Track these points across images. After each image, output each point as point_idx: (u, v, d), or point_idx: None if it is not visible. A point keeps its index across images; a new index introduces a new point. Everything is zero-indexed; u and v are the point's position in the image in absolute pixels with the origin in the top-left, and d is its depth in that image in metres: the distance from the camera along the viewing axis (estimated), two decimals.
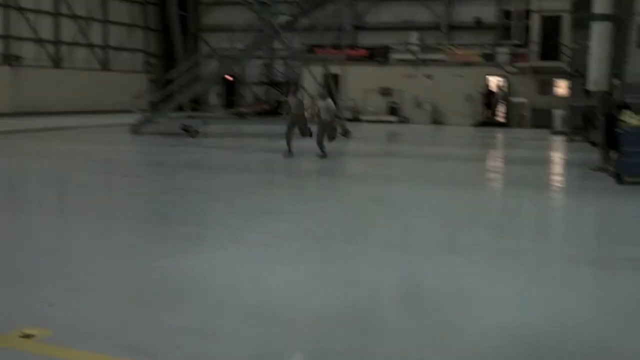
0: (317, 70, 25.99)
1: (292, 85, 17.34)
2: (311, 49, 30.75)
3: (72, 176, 12.76)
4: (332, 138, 15.31)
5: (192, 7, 45.60)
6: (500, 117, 31.38)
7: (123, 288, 5.27)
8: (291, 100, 15.85)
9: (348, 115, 29.02)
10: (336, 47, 26.18)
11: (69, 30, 39.50)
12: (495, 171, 15.41)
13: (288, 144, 15.15)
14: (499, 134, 26.58)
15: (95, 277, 5.55)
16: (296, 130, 15.63)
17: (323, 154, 14.78)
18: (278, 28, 23.74)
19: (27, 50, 36.79)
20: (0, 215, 8.49)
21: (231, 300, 4.96)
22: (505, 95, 31.46)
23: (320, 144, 14.88)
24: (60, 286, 5.27)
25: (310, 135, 15.69)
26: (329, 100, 14.95)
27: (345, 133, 22.44)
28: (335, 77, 27.18)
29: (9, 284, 5.38)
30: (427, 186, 11.67)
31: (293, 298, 5.08)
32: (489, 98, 31.66)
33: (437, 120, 32.31)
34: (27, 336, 4.10)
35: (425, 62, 33.14)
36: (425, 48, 34.31)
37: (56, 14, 38.58)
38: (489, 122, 30.78)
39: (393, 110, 33.26)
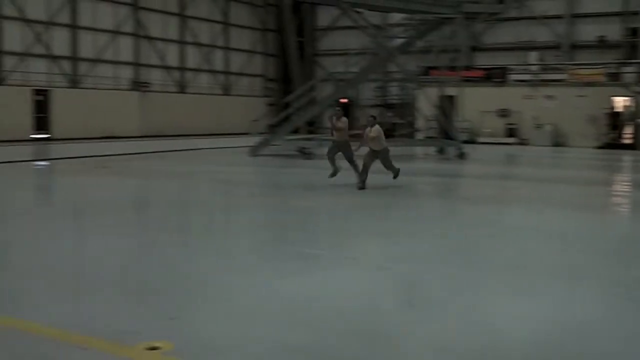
0: (433, 92, 25.79)
1: (336, 107, 15.16)
2: (426, 70, 30.58)
3: (193, 196, 13.31)
4: (392, 170, 13.72)
5: (308, 32, 46.64)
6: (627, 138, 29.80)
7: (241, 305, 5.41)
8: (335, 124, 14.25)
9: (464, 137, 28.53)
10: (452, 68, 25.88)
11: (193, 57, 41.48)
12: (620, 195, 14.61)
13: (333, 165, 14.17)
14: (625, 157, 25.22)
15: (215, 294, 5.74)
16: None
17: (361, 184, 13.37)
18: (393, 51, 23.81)
19: (155, 77, 38.92)
20: (128, 233, 8.98)
21: (342, 322, 4.97)
22: (632, 116, 29.87)
23: (359, 171, 13.62)
24: (182, 301, 5.49)
25: (354, 164, 14.03)
26: (377, 127, 13.55)
27: (461, 155, 22.08)
28: (451, 99, 26.84)
29: (135, 298, 5.67)
30: (546, 210, 11.24)
31: (408, 323, 5.02)
32: (615, 119, 30.18)
33: (558, 142, 31.14)
34: (152, 348, 4.29)
35: (545, 83, 32.11)
36: (545, 68, 33.29)
37: (182, 42, 40.63)
38: (614, 144, 29.30)
39: (511, 132, 32.40)
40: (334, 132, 14.44)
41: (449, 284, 6.19)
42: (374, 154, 13.52)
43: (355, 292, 5.83)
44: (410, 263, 6.99)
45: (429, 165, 21.31)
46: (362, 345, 4.49)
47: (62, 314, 5.08)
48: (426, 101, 25.78)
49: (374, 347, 4.46)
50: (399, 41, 25.57)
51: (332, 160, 14.19)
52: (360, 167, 13.62)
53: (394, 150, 23.97)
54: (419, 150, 25.66)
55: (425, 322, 5.01)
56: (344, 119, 14.43)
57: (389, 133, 33.34)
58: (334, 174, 14.06)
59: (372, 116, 14.29)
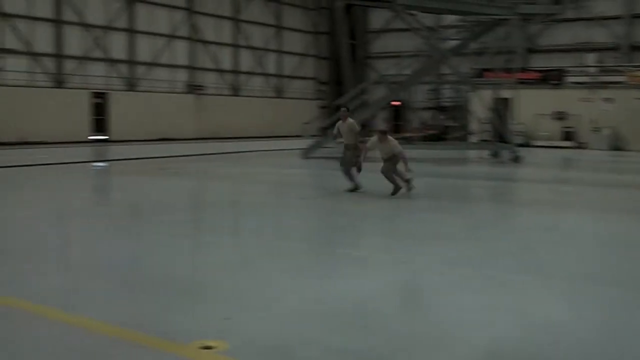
0: (487, 95, 25.45)
1: (342, 108, 13.65)
2: (480, 73, 30.20)
3: (246, 198, 13.44)
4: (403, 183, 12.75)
5: (360, 35, 46.61)
6: None
7: (294, 307, 5.43)
8: (342, 127, 13.14)
9: (519, 140, 28.07)
10: (507, 70, 25.48)
11: (246, 61, 41.94)
12: None
13: (350, 179, 13.06)
14: None
15: (269, 295, 5.78)
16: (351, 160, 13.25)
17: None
18: (446, 53, 23.58)
19: (209, 80, 39.50)
20: (183, 233, 9.12)
21: (398, 326, 4.93)
22: None
23: (347, 174, 13.00)
24: (236, 301, 5.54)
25: (358, 169, 13.16)
26: (393, 141, 12.42)
27: (516, 159, 21.71)
28: (506, 102, 26.42)
29: (190, 297, 5.75)
30: (604, 216, 10.95)
31: (461, 328, 4.95)
32: None
33: (616, 145, 30.32)
34: (206, 348, 4.34)
35: (603, 85, 31.31)
36: (603, 70, 32.46)
37: (235, 46, 41.12)
38: None
39: (568, 135, 31.72)
40: (340, 137, 13.21)
41: (504, 290, 6.08)
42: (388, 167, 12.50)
43: (407, 296, 5.78)
44: (464, 268, 6.89)
45: (483, 168, 21.02)
46: (415, 350, 4.45)
47: (118, 311, 5.19)
48: (480, 104, 25.43)
49: (429, 352, 4.41)
50: (453, 43, 25.33)
51: (348, 173, 13.05)
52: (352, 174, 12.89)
53: (448, 153, 23.83)
54: (472, 153, 25.33)
55: (482, 327, 4.93)
56: (351, 120, 13.20)
57: (442, 136, 33.14)
58: (355, 188, 12.91)
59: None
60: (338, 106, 26.17)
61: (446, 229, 9.63)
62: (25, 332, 4.73)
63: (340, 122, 13.21)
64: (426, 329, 4.86)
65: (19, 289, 5.84)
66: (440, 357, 4.34)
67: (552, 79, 32.98)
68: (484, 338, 4.70)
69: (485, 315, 5.26)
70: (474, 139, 30.61)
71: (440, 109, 40.45)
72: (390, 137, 12.49)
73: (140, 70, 35.66)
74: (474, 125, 31.32)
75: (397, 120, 44.27)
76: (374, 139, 12.51)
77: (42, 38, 31.35)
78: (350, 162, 12.97)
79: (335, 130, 13.43)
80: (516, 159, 21.66)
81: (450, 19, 29.11)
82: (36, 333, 4.71)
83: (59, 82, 31.97)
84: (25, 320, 5.00)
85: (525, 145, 29.76)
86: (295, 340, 4.60)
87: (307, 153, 22.74)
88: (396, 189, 12.43)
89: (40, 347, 4.44)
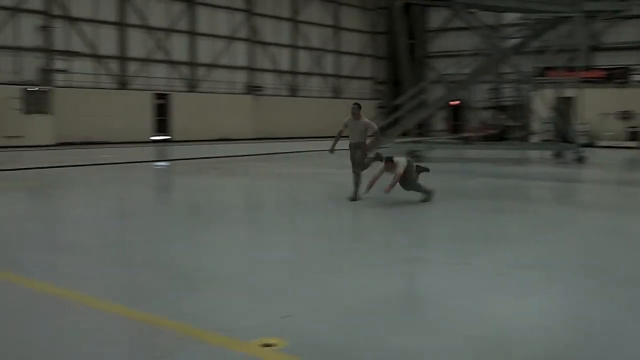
0: (549, 94, 24.90)
1: (354, 105, 12.46)
2: (542, 71, 29.56)
3: (303, 197, 13.51)
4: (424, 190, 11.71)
5: (419, 34, 46.27)
6: None
7: (352, 306, 5.43)
8: (352, 124, 12.16)
9: (583, 140, 27.36)
10: (570, 69, 24.87)
11: (304, 61, 42.16)
12: None
13: (356, 185, 11.92)
14: None
15: (327, 294, 5.80)
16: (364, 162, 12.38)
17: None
18: (507, 51, 23.18)
19: (267, 80, 39.90)
20: (241, 232, 9.24)
21: (458, 326, 4.88)
22: None
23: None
24: (295, 299, 5.58)
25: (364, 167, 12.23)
26: (402, 161, 11.29)
27: (580, 159, 21.18)
28: (569, 101, 25.79)
29: (250, 294, 5.83)
30: None
31: (522, 330, 4.86)
32: None
33: None
34: (267, 345, 4.39)
35: None
36: None
37: (293, 47, 41.40)
38: None
39: (633, 135, 30.74)
40: (349, 135, 12.11)
41: (570, 294, 5.94)
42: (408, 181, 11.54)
43: (471, 299, 5.71)
44: (526, 270, 6.76)
45: (545, 169, 20.57)
46: (479, 350, 4.40)
47: (180, 308, 5.29)
48: (542, 103, 24.90)
49: (495, 355, 4.36)
50: (513, 41, 24.87)
51: (358, 177, 11.92)
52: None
53: (508, 153, 23.41)
54: (534, 154, 24.82)
55: (547, 330, 4.84)
56: (365, 120, 12.20)
57: (502, 136, 32.57)
58: (355, 195, 11.78)
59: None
60: (396, 106, 26.07)
61: (507, 230, 9.47)
62: (92, 327, 4.87)
63: (349, 118, 12.11)
64: (485, 332, 4.79)
65: (83, 284, 6.02)
66: None
67: (617, 77, 32.05)
68: (543, 340, 4.61)
69: (548, 319, 5.16)
70: (535, 139, 30.00)
71: (501, 108, 39.75)
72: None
73: (201, 71, 36.28)
74: (535, 125, 30.69)
75: (456, 120, 43.79)
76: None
77: (107, 41, 32.24)
78: (362, 164, 12.04)
79: (341, 127, 12.26)
80: (580, 160, 21.12)
81: (511, 17, 28.59)
82: (102, 328, 4.85)
83: (122, 83, 32.82)
84: (91, 316, 5.16)
85: (589, 145, 28.96)
86: (353, 338, 4.60)
87: None
88: (426, 194, 11.64)
89: (105, 341, 4.57)
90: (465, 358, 4.30)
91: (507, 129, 33.54)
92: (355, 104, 12.51)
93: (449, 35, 44.23)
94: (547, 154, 23.78)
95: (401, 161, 11.20)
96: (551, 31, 23.61)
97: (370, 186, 11.24)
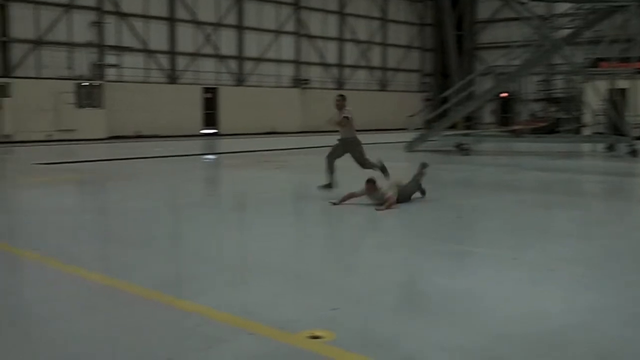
0: (602, 86, 24.33)
1: (338, 97, 11.84)
2: (595, 62, 28.87)
3: (348, 190, 13.50)
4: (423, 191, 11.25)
5: (467, 26, 45.69)
6: None
7: (399, 299, 5.44)
8: (338, 119, 11.52)
9: (636, 133, 26.64)
10: (624, 60, 24.23)
11: (351, 54, 42.09)
12: None
13: (329, 172, 11.46)
14: None
15: (375, 286, 5.82)
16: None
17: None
18: (558, 42, 22.72)
19: (314, 74, 39.98)
20: (290, 225, 9.31)
21: (503, 322, 4.85)
22: None
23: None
24: (343, 292, 5.62)
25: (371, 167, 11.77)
26: (392, 188, 10.38)
27: (633, 152, 20.65)
28: (623, 92, 25.13)
29: (298, 287, 5.89)
30: None
31: (571, 328, 4.80)
32: None
33: None
34: (314, 337, 4.44)
35: None
36: None
37: (340, 40, 41.35)
38: None
39: None
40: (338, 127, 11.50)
41: (621, 291, 5.83)
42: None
43: (519, 294, 5.65)
44: (577, 265, 6.66)
45: (597, 162, 20.13)
46: (530, 351, 4.37)
47: (230, 299, 5.39)
48: (594, 95, 24.34)
49: (543, 353, 4.32)
50: (565, 32, 24.35)
51: (331, 166, 11.43)
52: (378, 164, 11.65)
53: (559, 146, 22.98)
54: (585, 147, 24.30)
55: (597, 328, 4.77)
56: (348, 110, 11.53)
57: (553, 128, 31.96)
58: (328, 185, 11.35)
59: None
60: (444, 99, 25.84)
61: (558, 225, 9.32)
62: (143, 317, 5.00)
63: (336, 113, 11.55)
64: (533, 328, 4.74)
65: (134, 275, 6.17)
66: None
67: None
68: (593, 338, 4.54)
69: (598, 316, 5.08)
70: (587, 131, 29.36)
71: (552, 100, 39.01)
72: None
73: (248, 65, 36.57)
74: (587, 118, 30.02)
75: (506, 112, 43.12)
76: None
77: (157, 35, 32.77)
78: (336, 155, 11.52)
79: (329, 121, 11.87)
80: (633, 153, 20.58)
81: (563, 7, 27.97)
82: (153, 318, 4.97)
83: (172, 78, 33.33)
84: (142, 306, 5.29)
85: None
86: (400, 332, 4.62)
87: (411, 146, 22.59)
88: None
89: (155, 331, 4.69)
90: (513, 355, 4.27)
91: (557, 121, 32.92)
92: (339, 95, 11.92)
93: (499, 26, 43.55)
94: (599, 147, 23.25)
95: (391, 188, 10.28)
96: (605, 21, 23.03)
97: (344, 200, 10.36)
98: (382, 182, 10.56)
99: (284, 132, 35.72)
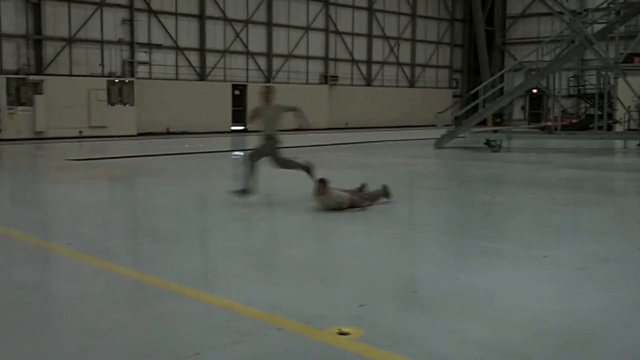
0: (636, 81, 23.90)
1: (264, 88, 10.87)
2: (629, 58, 28.38)
3: (376, 187, 13.46)
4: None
5: (498, 21, 45.23)
6: None
7: (427, 297, 5.44)
8: (263, 110, 10.41)
9: None
10: None
11: (380, 50, 41.93)
12: None
13: (247, 176, 10.14)
14: None
15: (402, 285, 5.82)
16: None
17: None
18: (591, 37, 22.38)
19: (343, 70, 39.92)
20: (318, 222, 9.33)
21: (533, 320, 4.81)
22: None
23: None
24: (371, 289, 5.63)
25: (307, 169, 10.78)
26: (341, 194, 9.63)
27: None
28: None
29: (326, 283, 5.91)
30: None
31: (602, 326, 4.75)
32: None
33: None
34: (343, 334, 4.46)
35: None
36: None
37: (369, 36, 41.22)
38: None
39: None
40: (254, 122, 10.47)
41: None
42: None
43: (549, 292, 5.61)
44: (608, 263, 6.58)
45: (629, 160, 19.82)
46: (558, 347, 4.33)
47: (259, 294, 5.43)
48: (628, 91, 23.93)
49: (573, 351, 4.28)
50: (598, 27, 23.97)
51: (251, 169, 10.14)
52: (301, 164, 10.57)
53: (591, 143, 22.65)
54: (618, 144, 23.92)
55: (628, 327, 4.71)
56: (277, 103, 10.57)
57: (585, 125, 31.48)
58: (244, 191, 10.08)
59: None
60: (474, 95, 25.60)
61: (589, 223, 9.20)
62: (171, 310, 5.06)
63: (262, 105, 10.46)
64: (563, 327, 4.70)
65: (163, 269, 6.25)
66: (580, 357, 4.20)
67: None
68: (623, 337, 4.49)
69: (629, 315, 5.02)
70: (620, 128, 28.88)
71: (584, 96, 38.45)
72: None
73: (277, 62, 36.66)
74: (619, 114, 29.52)
75: (537, 108, 42.64)
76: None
77: (187, 33, 33.01)
78: (261, 155, 10.28)
79: (250, 114, 10.80)
80: None
81: (595, 1, 27.57)
82: (181, 312, 5.03)
83: (201, 75, 33.56)
84: (171, 300, 5.36)
85: None
86: (429, 329, 4.61)
87: (440, 143, 22.46)
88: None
89: (184, 325, 4.74)
90: (543, 353, 4.24)
91: (589, 118, 32.43)
92: (265, 86, 10.78)
93: (530, 21, 43.05)
94: (632, 144, 22.87)
95: (341, 194, 9.53)
96: (638, 16, 22.62)
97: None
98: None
99: (313, 128, 35.71)
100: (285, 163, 10.53)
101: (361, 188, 10.20)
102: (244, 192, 10.05)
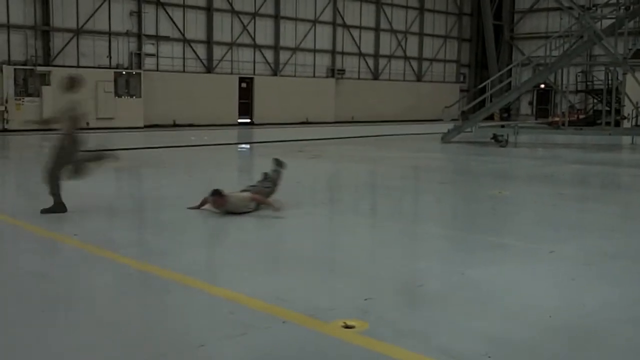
0: None
1: (67, 78, 9.05)
2: (638, 54, 28.21)
3: (384, 181, 13.48)
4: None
5: (507, 15, 45.01)
6: None
7: (432, 291, 5.43)
8: (64, 113, 8.95)
9: None
10: None
11: (387, 44, 41.81)
12: None
13: (52, 192, 8.34)
14: None
15: (406, 279, 5.81)
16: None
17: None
18: (600, 33, 22.26)
19: (350, 64, 39.83)
20: (325, 215, 9.33)
21: (539, 315, 4.79)
22: None
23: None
24: (376, 282, 5.62)
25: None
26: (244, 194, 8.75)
27: None
28: None
29: (331, 277, 5.91)
30: None
31: (611, 321, 4.73)
32: None
33: None
34: (347, 327, 4.46)
35: None
36: None
37: (377, 29, 41.10)
38: None
39: None
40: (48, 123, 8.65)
41: None
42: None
43: (555, 288, 5.59)
44: (616, 260, 6.55)
45: (637, 156, 19.74)
46: (575, 343, 4.32)
47: (266, 286, 5.42)
48: (636, 87, 23.79)
49: (578, 347, 4.27)
50: (607, 22, 23.83)
51: (52, 184, 8.31)
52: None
53: (598, 139, 22.55)
54: (626, 140, 23.82)
55: (635, 323, 4.69)
56: (75, 96, 8.97)
57: (592, 121, 31.34)
58: (55, 208, 8.29)
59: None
60: (481, 89, 25.51)
61: (596, 219, 9.17)
62: (176, 302, 5.07)
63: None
64: (568, 322, 4.69)
65: (172, 261, 6.26)
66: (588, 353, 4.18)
67: None
68: (630, 333, 4.47)
69: (636, 311, 5.00)
70: (628, 124, 28.75)
71: (592, 92, 38.27)
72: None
73: (285, 55, 36.60)
74: (628, 110, 29.38)
75: (544, 104, 42.48)
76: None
77: (194, 25, 32.98)
78: (62, 164, 8.45)
79: (47, 115, 8.60)
80: None
81: None
82: (187, 303, 5.04)
83: (209, 67, 33.54)
84: (176, 292, 5.36)
85: None
86: (434, 324, 4.61)
87: (447, 137, 22.41)
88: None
89: (189, 316, 4.75)
90: (549, 347, 4.23)
91: (597, 113, 32.28)
92: (69, 76, 9.15)
93: (538, 15, 42.83)
94: None
95: (242, 197, 8.73)
96: None
97: (199, 206, 8.88)
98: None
99: (319, 122, 35.69)
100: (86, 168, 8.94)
101: (265, 178, 9.62)
102: (55, 210, 8.34)
